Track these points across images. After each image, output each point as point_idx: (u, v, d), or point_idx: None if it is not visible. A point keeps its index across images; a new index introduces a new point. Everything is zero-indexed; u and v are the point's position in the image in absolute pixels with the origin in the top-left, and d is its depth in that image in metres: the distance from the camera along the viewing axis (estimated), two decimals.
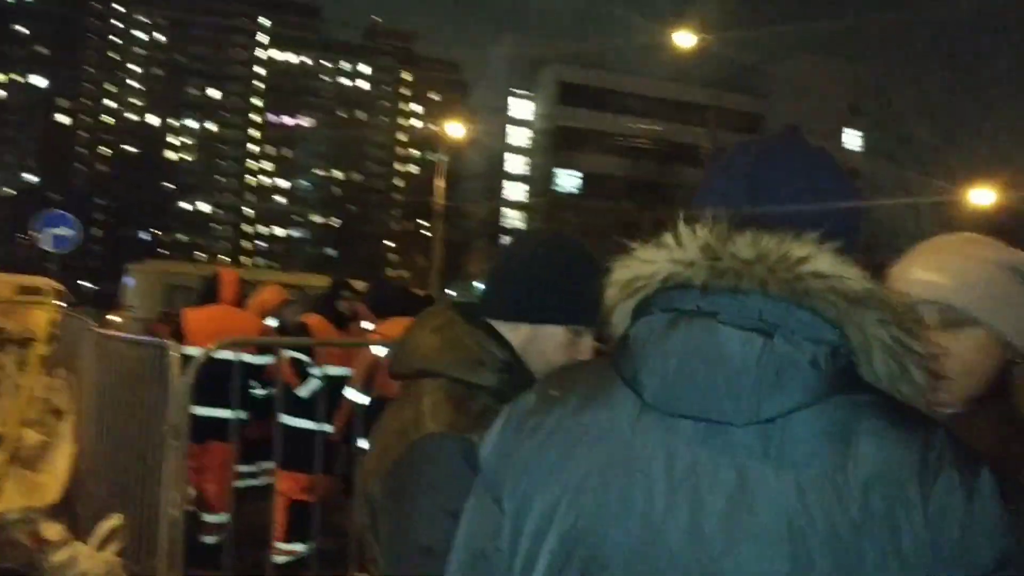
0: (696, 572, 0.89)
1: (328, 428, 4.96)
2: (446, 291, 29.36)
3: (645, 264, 1.02)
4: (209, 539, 5.70)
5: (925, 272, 1.50)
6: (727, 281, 0.96)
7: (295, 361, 5.32)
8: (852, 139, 64.48)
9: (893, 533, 0.86)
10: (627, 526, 0.93)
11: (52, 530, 3.69)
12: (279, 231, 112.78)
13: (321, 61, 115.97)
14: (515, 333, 1.59)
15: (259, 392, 5.89)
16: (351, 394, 5.38)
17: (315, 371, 5.40)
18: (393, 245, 74.04)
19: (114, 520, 3.62)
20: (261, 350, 5.72)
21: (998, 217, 25.29)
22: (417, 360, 1.59)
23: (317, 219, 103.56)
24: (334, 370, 5.38)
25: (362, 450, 4.69)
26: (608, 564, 0.93)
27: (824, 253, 0.94)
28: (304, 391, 5.34)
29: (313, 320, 5.75)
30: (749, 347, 0.91)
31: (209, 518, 5.76)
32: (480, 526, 1.08)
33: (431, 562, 1.29)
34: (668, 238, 1.01)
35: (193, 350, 4.25)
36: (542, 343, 1.60)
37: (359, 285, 7.23)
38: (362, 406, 4.80)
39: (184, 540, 3.73)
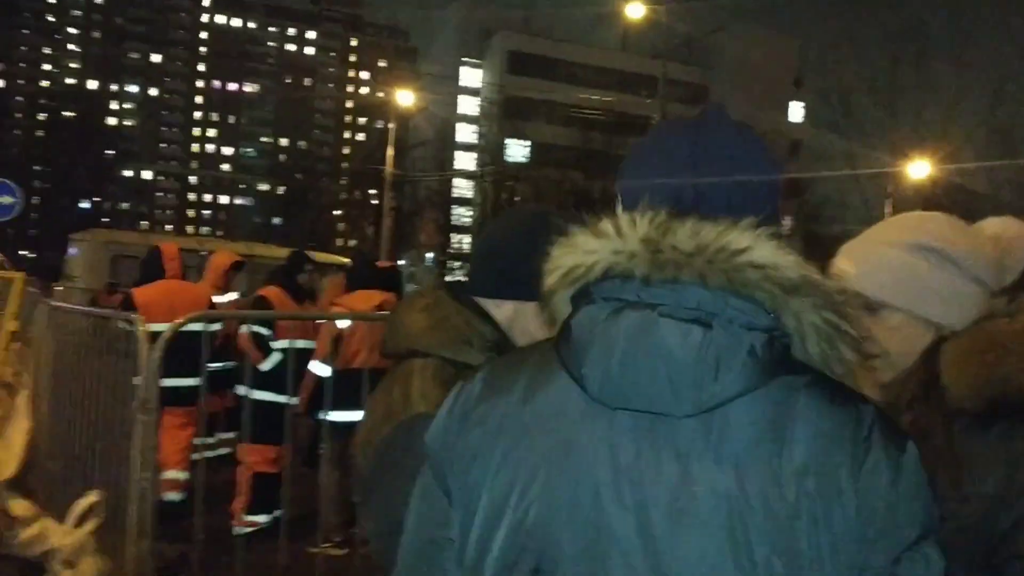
0: (643, 563, 0.92)
1: (295, 400, 5.01)
2: (399, 261, 29.22)
3: (586, 254, 1.03)
4: (172, 496, 5.76)
5: (842, 260, 1.59)
6: (667, 273, 0.98)
7: (255, 335, 5.32)
8: (795, 110, 65.32)
9: (826, 514, 0.90)
10: (576, 519, 0.95)
11: (20, 506, 3.65)
12: (224, 199, 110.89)
13: (266, 26, 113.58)
14: (500, 310, 1.61)
15: (213, 364, 5.92)
16: (315, 367, 5.42)
17: (277, 344, 5.42)
18: (339, 214, 73.31)
19: (92, 497, 3.60)
20: (212, 319, 5.79)
21: (933, 189, 25.81)
22: (406, 339, 1.61)
23: (263, 187, 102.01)
24: (299, 343, 5.41)
25: (328, 422, 4.76)
26: (560, 558, 0.95)
27: (763, 242, 0.97)
28: (267, 364, 5.36)
29: (272, 293, 5.74)
30: (688, 339, 0.94)
31: (167, 475, 5.82)
32: (429, 514, 1.09)
33: None
34: (608, 227, 1.02)
35: (158, 326, 4.24)
36: (526, 320, 1.62)
37: (319, 256, 7.25)
38: (327, 378, 4.82)
39: (152, 513, 3.74)
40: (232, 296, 6.80)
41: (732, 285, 0.96)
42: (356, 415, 4.83)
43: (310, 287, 6.37)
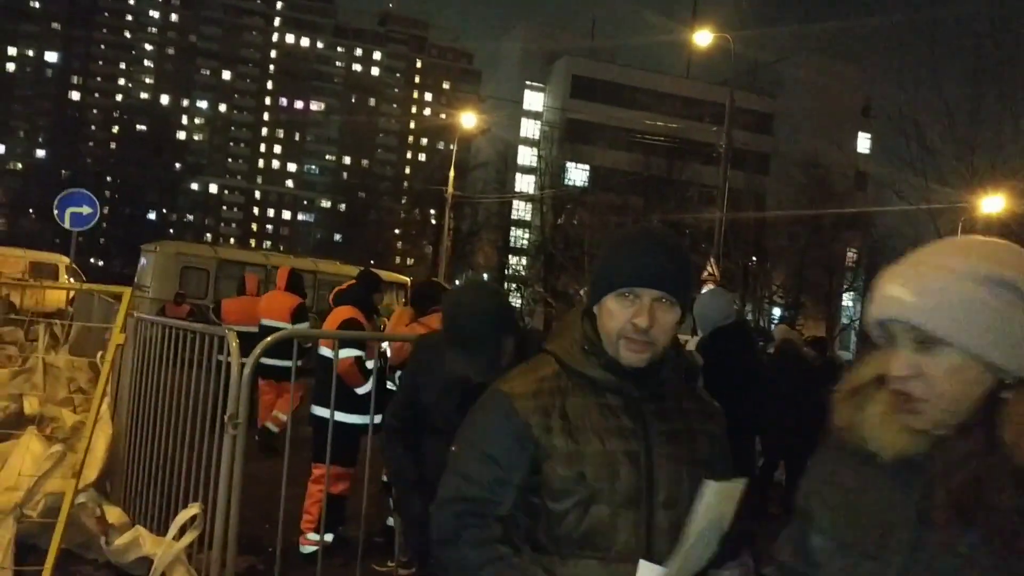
0: None
1: (377, 419, 5.08)
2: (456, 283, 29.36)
3: None
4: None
5: (894, 287, 1.36)
6: None
7: (359, 360, 5.36)
8: (863, 141, 64.40)
9: None
10: None
11: (114, 513, 3.70)
12: (287, 215, 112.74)
13: (334, 46, 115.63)
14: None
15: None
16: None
17: (370, 365, 5.46)
18: (398, 232, 74.01)
19: (193, 509, 3.64)
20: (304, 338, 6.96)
21: (1011, 224, 25.07)
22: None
23: (325, 204, 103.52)
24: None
25: None
26: None
27: None
28: (366, 388, 5.37)
29: (353, 313, 5.76)
30: None
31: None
32: None
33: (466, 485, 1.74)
34: None
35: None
36: None
37: (385, 275, 7.38)
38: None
39: (236, 526, 3.75)
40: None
41: None
42: None
43: (379, 306, 6.48)
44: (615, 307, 1.73)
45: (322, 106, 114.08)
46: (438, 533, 1.75)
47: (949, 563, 1.26)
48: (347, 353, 5.25)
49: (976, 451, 1.28)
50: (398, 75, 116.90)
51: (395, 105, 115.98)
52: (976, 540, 1.24)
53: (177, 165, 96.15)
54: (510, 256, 57.91)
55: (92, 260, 72.32)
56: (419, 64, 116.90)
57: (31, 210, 79.88)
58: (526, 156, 63.14)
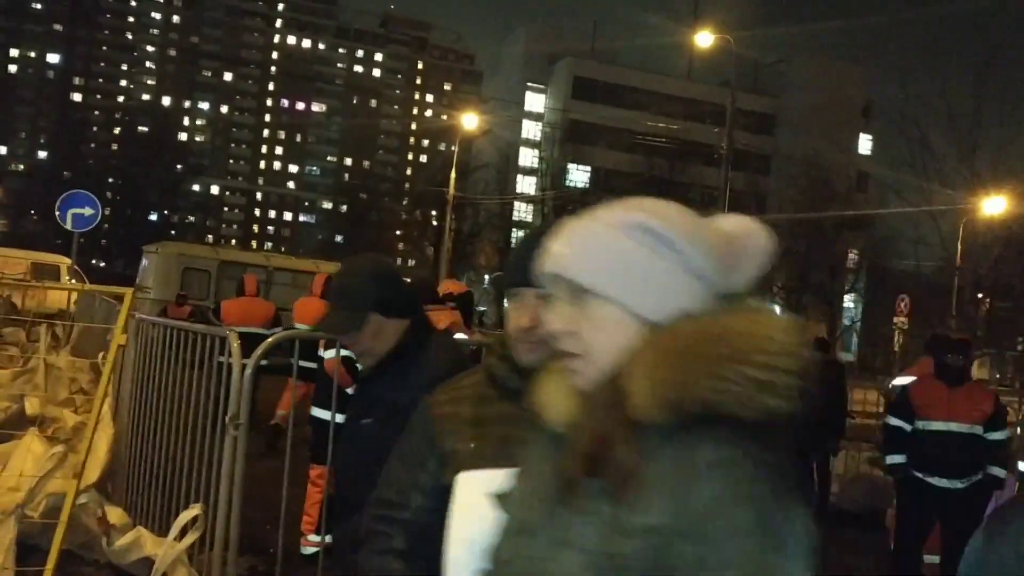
0: None
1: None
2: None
3: None
4: None
5: (553, 242, 1.32)
6: None
7: (346, 359, 5.34)
8: (864, 142, 64.44)
9: None
10: None
11: (116, 514, 3.71)
12: (288, 216, 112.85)
13: (335, 47, 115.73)
14: None
15: None
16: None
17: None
18: (399, 233, 74.09)
19: (194, 510, 3.65)
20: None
21: (1013, 224, 25.05)
22: None
23: (327, 205, 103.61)
24: None
25: None
26: None
27: None
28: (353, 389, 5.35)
29: None
30: None
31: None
32: None
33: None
34: None
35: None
36: None
37: None
38: None
39: (237, 526, 3.75)
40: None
41: None
42: None
43: None
44: (510, 309, 1.73)
45: (323, 107, 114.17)
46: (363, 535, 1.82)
47: (573, 521, 1.18)
48: (333, 353, 5.22)
49: (607, 404, 1.21)
50: (399, 76, 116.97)
51: (396, 106, 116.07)
52: (597, 493, 1.17)
53: (179, 166, 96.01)
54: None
55: (94, 261, 72.35)
56: (420, 65, 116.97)
57: (33, 211, 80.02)
58: (527, 157, 63.19)
